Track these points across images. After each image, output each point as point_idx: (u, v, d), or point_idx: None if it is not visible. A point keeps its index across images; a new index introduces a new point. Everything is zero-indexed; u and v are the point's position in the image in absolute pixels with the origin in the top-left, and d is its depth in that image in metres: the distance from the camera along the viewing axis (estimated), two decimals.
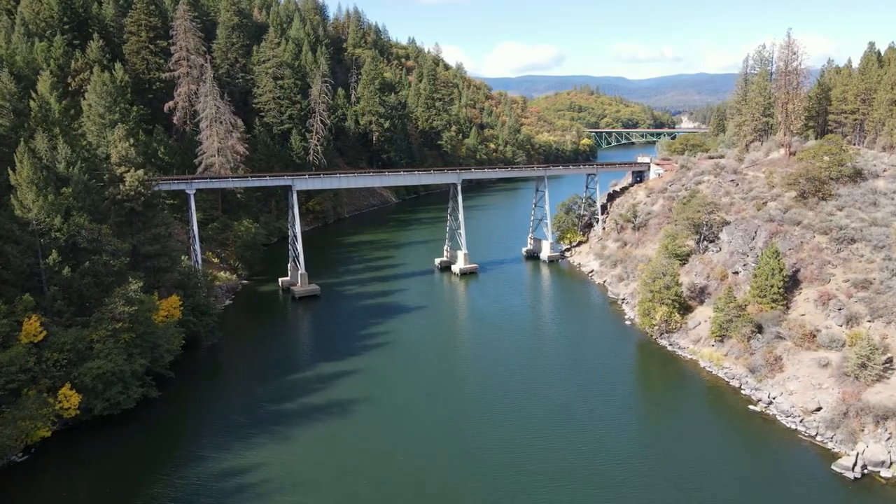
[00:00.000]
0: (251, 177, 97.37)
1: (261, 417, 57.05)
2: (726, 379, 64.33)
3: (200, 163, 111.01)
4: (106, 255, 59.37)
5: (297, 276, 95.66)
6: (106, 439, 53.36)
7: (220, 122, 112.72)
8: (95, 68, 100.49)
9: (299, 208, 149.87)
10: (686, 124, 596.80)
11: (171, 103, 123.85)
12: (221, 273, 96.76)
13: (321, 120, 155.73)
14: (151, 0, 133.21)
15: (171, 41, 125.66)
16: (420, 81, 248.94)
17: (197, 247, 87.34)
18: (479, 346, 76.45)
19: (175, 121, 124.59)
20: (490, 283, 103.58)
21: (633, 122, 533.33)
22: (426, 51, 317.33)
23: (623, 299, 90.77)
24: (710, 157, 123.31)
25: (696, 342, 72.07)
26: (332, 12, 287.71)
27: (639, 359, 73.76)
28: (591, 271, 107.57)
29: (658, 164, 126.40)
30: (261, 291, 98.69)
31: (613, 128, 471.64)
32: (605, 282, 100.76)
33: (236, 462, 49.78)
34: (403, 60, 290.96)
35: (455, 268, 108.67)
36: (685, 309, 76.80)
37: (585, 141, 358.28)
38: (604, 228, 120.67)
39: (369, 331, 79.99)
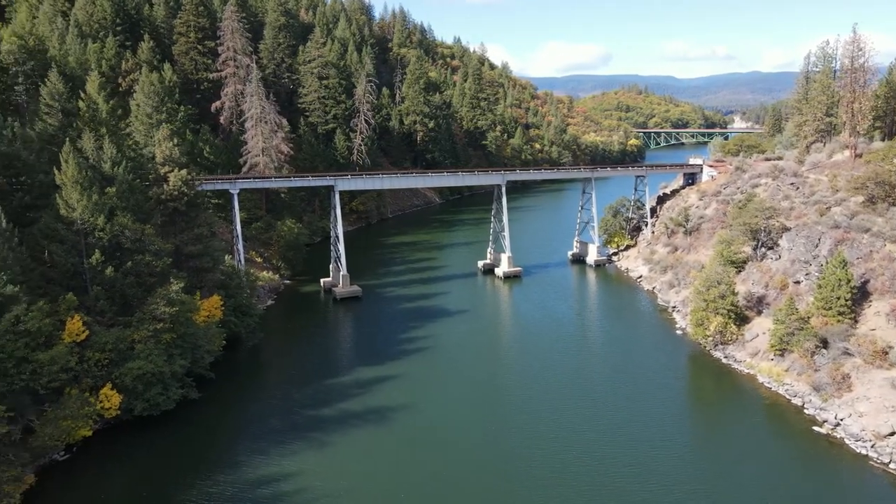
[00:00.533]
0: (294, 177, 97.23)
1: (298, 423, 56.00)
2: (787, 396, 60.32)
3: (245, 162, 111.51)
4: (149, 255, 59.26)
5: (338, 277, 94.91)
6: (145, 440, 53.12)
7: (265, 122, 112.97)
8: (144, 69, 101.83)
9: (342, 208, 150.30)
10: (738, 124, 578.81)
11: (217, 103, 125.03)
12: (264, 273, 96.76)
13: (365, 119, 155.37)
14: (200, 1, 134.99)
15: (218, 42, 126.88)
16: (465, 81, 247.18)
17: (240, 246, 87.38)
18: (523, 353, 74.00)
19: (222, 121, 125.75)
20: (534, 287, 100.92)
21: (683, 122, 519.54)
22: (471, 50, 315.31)
23: (674, 307, 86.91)
24: (767, 159, 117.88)
25: (753, 355, 68.07)
26: (377, 12, 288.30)
27: (692, 372, 70.14)
28: (640, 277, 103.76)
29: (711, 166, 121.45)
30: (303, 292, 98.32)
31: (662, 128, 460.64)
32: (654, 288, 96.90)
33: (272, 469, 48.73)
34: (448, 60, 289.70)
35: (498, 271, 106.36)
36: (741, 319, 72.74)
37: (633, 141, 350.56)
38: (653, 232, 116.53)
39: (410, 335, 78.45)
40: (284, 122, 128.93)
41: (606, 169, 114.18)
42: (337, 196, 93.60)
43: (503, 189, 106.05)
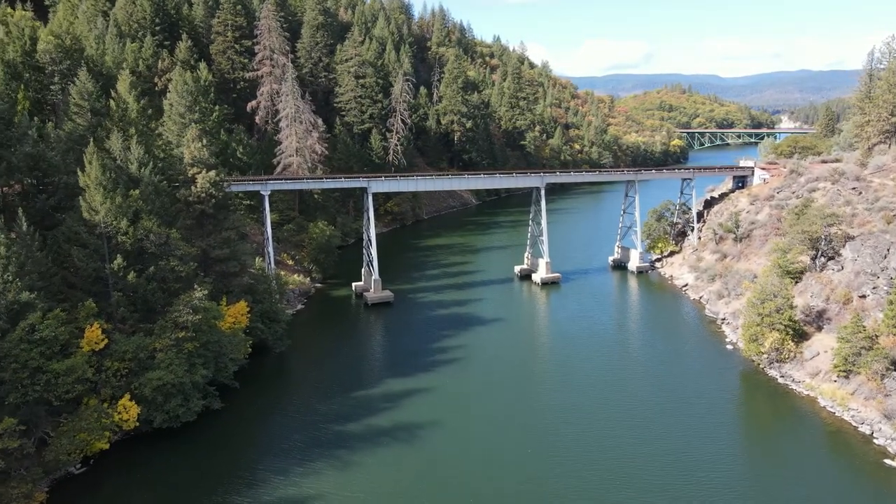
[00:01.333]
0: (326, 178, 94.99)
1: (321, 439, 53.25)
2: (854, 423, 55.02)
3: (279, 162, 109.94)
4: (174, 259, 57.32)
5: (370, 282, 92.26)
6: (164, 454, 51.06)
7: (300, 122, 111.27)
8: (178, 68, 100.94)
9: (376, 209, 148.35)
10: (786, 124, 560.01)
11: (253, 103, 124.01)
12: (295, 276, 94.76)
13: (402, 119, 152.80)
14: (239, 0, 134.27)
15: (255, 41, 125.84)
16: (504, 81, 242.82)
17: (270, 249, 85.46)
18: (561, 368, 69.98)
19: (257, 120, 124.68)
20: (573, 295, 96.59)
21: (729, 122, 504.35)
22: (511, 49, 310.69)
23: (723, 319, 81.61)
24: (824, 162, 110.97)
25: (813, 376, 62.70)
26: (416, 11, 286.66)
27: (744, 391, 65.08)
28: (685, 285, 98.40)
29: (763, 169, 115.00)
30: (333, 296, 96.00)
31: (706, 128, 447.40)
32: (701, 298, 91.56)
33: (292, 491, 46.02)
34: (488, 59, 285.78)
35: (536, 277, 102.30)
36: (800, 336, 67.33)
37: (676, 142, 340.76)
38: (699, 238, 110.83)
39: (442, 344, 75.19)
40: (320, 121, 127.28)
41: (651, 171, 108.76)
42: (370, 198, 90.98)
43: (542, 192, 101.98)
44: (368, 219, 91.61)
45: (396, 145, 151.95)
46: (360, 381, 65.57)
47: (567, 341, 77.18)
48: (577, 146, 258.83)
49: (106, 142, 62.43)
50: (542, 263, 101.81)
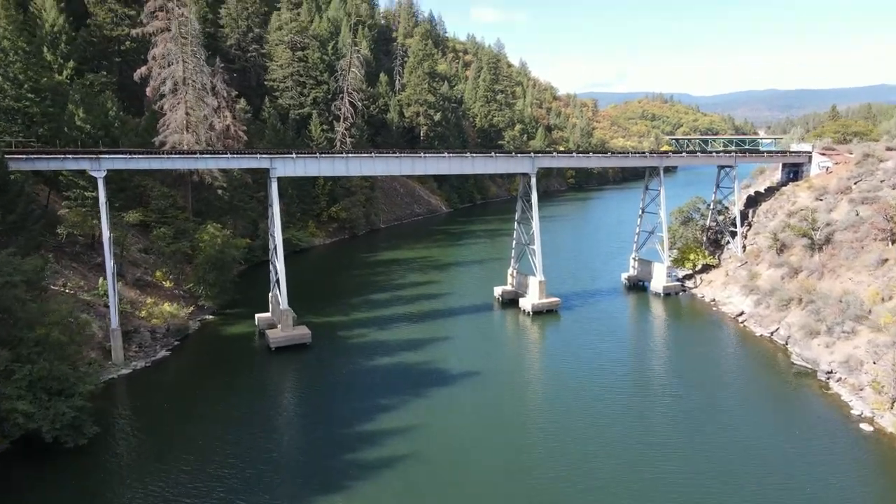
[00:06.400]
0: (199, 155, 60.45)
1: None
2: None
3: (162, 143, 78.08)
4: None
5: (278, 313, 60.90)
6: None
7: (193, 87, 79.87)
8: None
9: (317, 215, 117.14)
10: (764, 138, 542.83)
11: (143, 69, 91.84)
12: (165, 306, 62.63)
13: (350, 102, 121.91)
14: None
15: None
16: (478, 76, 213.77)
17: (109, 263, 53.41)
18: (565, 461, 38.98)
19: (148, 92, 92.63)
20: (579, 330, 66.05)
21: (714, 131, 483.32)
22: (487, 45, 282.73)
23: (829, 373, 51.38)
24: (889, 149, 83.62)
25: None
26: (382, 2, 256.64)
27: None
28: (741, 314, 68.44)
29: (823, 154, 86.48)
30: (224, 335, 63.97)
31: (691, 137, 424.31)
32: (774, 335, 61.65)
33: None
34: (461, 55, 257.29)
35: (525, 303, 71.62)
36: None
37: (666, 147, 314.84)
38: (744, 247, 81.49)
39: (377, 423, 43.94)
40: (234, 94, 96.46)
41: (681, 155, 79.14)
42: (275, 185, 59.79)
43: (532, 181, 71.77)
44: (273, 215, 60.35)
45: (344, 135, 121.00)
46: None
47: (576, 415, 46.16)
48: (561, 148, 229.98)
49: None
50: (534, 283, 71.33)
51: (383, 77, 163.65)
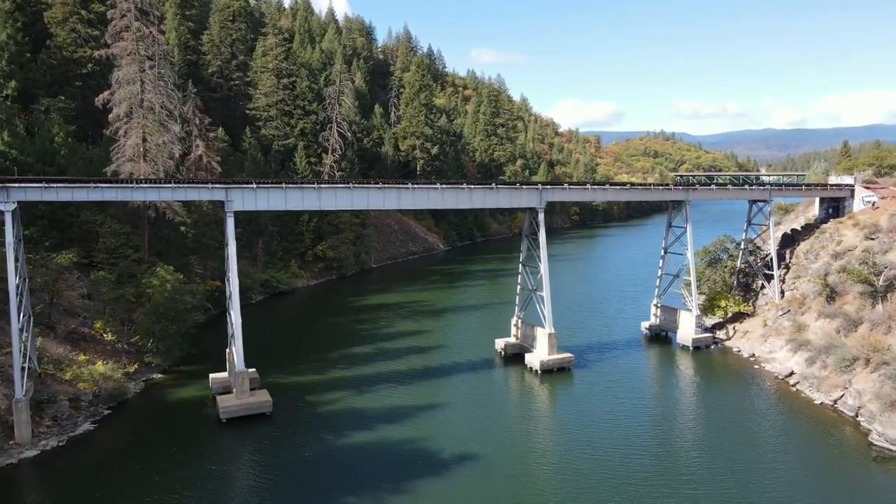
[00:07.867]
0: (141, 184, 48.82)
1: None
2: None
3: (116, 173, 68.28)
4: None
5: (234, 375, 50.10)
6: None
7: (152, 111, 70.57)
8: None
9: (301, 253, 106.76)
10: (765, 176, 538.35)
11: (105, 94, 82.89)
12: (98, 365, 51.74)
13: (339, 132, 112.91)
14: None
15: (110, 1, 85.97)
16: (478, 110, 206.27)
17: (15, 319, 42.78)
18: None
19: (111, 119, 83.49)
20: (597, 395, 54.99)
21: (717, 168, 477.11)
22: (487, 79, 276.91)
23: None
24: None
25: None
26: (381, 37, 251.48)
27: None
28: (791, 375, 57.42)
29: (867, 188, 76.59)
30: (170, 400, 52.87)
31: (694, 173, 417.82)
32: (836, 402, 50.63)
33: None
34: (461, 89, 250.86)
35: (533, 359, 60.70)
36: None
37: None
38: (782, 292, 70.91)
39: None
40: (207, 121, 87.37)
41: (710, 188, 69.51)
42: (230, 222, 49.58)
43: (540, 217, 61.64)
44: (228, 257, 49.95)
45: (332, 168, 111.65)
46: None
47: None
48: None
49: None
50: (542, 336, 60.60)
51: (378, 109, 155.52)
